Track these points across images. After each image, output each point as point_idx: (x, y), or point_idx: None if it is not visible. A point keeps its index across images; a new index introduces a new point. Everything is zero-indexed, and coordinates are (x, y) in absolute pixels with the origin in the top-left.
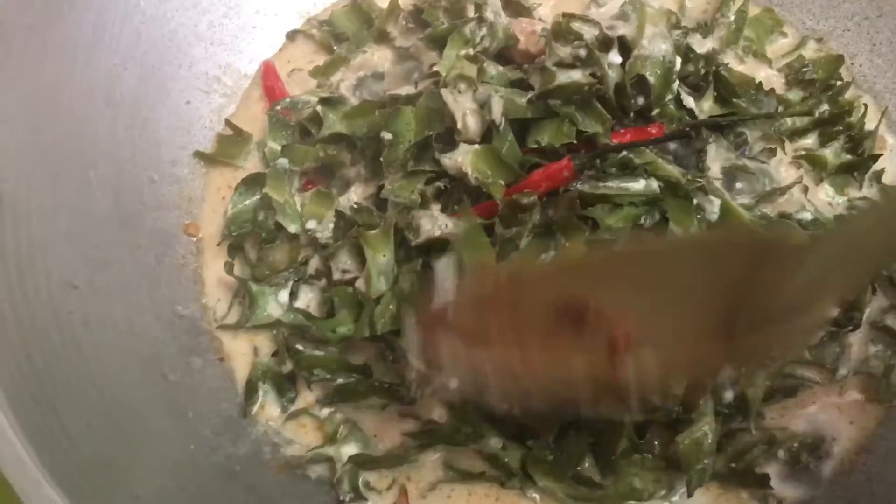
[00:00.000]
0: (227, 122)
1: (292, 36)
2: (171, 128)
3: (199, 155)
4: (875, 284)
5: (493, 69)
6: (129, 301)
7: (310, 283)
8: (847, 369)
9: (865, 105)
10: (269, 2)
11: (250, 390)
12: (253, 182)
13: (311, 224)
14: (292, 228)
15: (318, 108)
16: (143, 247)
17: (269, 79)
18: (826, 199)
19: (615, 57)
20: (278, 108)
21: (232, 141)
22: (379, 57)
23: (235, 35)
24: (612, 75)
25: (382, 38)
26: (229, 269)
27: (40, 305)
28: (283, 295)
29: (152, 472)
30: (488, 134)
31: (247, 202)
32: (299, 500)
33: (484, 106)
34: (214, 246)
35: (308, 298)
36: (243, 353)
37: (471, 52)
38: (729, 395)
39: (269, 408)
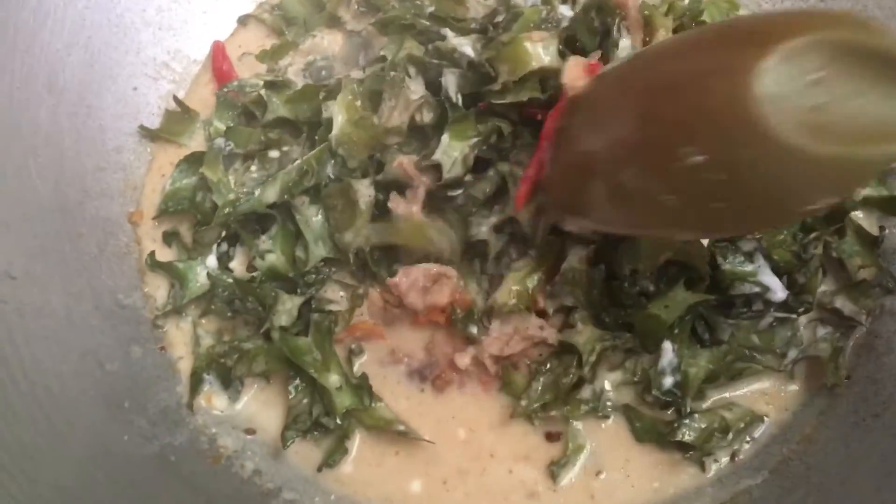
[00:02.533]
0: (175, 99)
1: (244, 20)
2: (117, 115)
3: (144, 130)
4: (823, 266)
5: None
6: (68, 290)
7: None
8: (796, 353)
9: None
10: None
11: (195, 382)
12: (195, 160)
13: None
14: (221, 200)
15: (263, 91)
16: (84, 235)
17: (217, 59)
18: None
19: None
20: (226, 90)
21: (178, 118)
22: (329, 41)
23: (185, 20)
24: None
25: (334, 22)
26: (152, 259)
27: None
28: (211, 260)
29: (80, 463)
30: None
31: (186, 181)
32: (234, 489)
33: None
34: (153, 232)
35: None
36: (185, 342)
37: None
38: (668, 381)
39: (215, 399)
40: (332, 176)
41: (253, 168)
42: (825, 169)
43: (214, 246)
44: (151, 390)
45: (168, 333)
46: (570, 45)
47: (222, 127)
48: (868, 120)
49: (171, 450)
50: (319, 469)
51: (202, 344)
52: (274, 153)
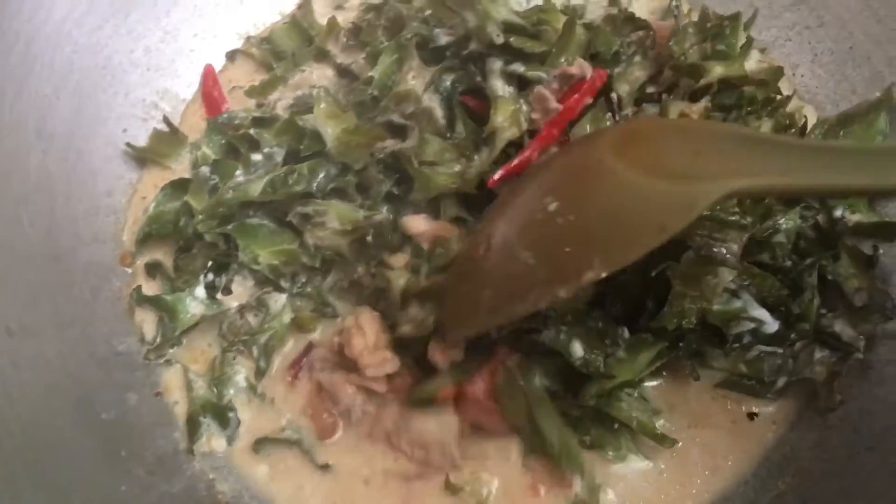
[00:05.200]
0: (165, 120)
1: (232, 56)
2: (107, 157)
3: (130, 147)
4: (816, 290)
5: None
6: (63, 340)
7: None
8: (785, 381)
9: (806, 117)
10: (207, 24)
11: (192, 426)
12: (180, 186)
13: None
14: (208, 237)
15: (252, 131)
16: (77, 283)
17: (208, 84)
18: None
19: None
20: (219, 121)
21: (167, 139)
22: (318, 75)
23: (173, 59)
24: None
25: (322, 56)
26: (138, 294)
27: None
28: (200, 290)
29: None
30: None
31: (170, 205)
32: None
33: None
34: (138, 266)
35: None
36: (179, 385)
37: None
38: None
39: (214, 441)
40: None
41: (238, 172)
42: (655, 201)
43: (202, 276)
44: (148, 437)
45: (163, 378)
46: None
47: (210, 153)
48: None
49: (168, 498)
50: None
51: (194, 388)
52: (257, 156)
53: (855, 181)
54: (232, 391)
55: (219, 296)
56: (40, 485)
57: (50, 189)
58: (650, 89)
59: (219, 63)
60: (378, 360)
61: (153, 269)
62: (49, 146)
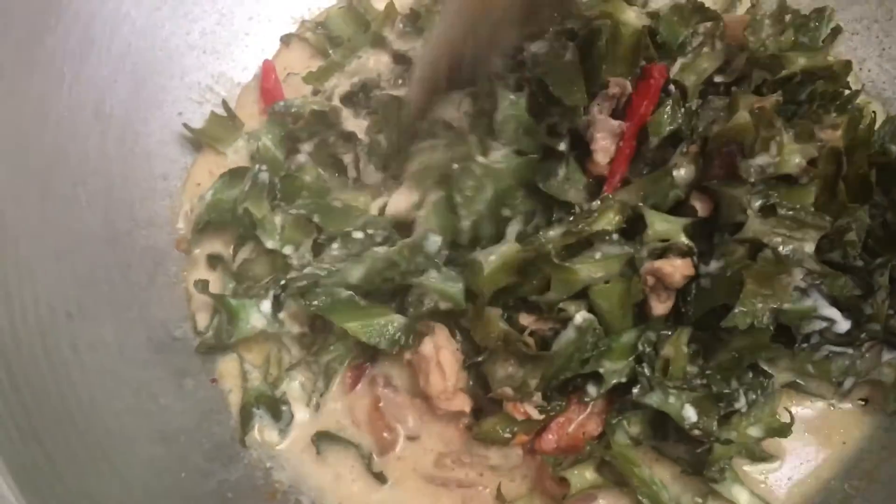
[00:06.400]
0: (224, 105)
1: (287, 40)
2: (163, 141)
3: (188, 128)
4: (888, 290)
5: None
6: (120, 323)
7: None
8: (852, 382)
9: (874, 113)
10: (262, 7)
11: (245, 417)
12: (238, 175)
13: (287, 249)
14: (269, 244)
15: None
16: (133, 266)
17: (269, 81)
18: None
19: None
20: (276, 109)
21: (224, 123)
22: (375, 62)
23: (228, 43)
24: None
25: (379, 42)
26: (203, 286)
27: (27, 331)
28: (266, 305)
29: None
30: None
31: (228, 192)
32: None
33: None
34: (197, 255)
35: (292, 309)
36: (234, 374)
37: None
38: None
39: (266, 433)
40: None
41: (335, 246)
42: None
43: (271, 291)
44: (205, 424)
45: (219, 365)
46: (652, 38)
47: (270, 146)
48: None
49: (227, 486)
50: None
51: (249, 378)
52: (358, 234)
53: None
54: (286, 389)
55: (282, 315)
56: (102, 470)
57: (107, 171)
58: (718, 79)
59: (273, 47)
60: (457, 405)
61: (214, 261)
62: (106, 128)
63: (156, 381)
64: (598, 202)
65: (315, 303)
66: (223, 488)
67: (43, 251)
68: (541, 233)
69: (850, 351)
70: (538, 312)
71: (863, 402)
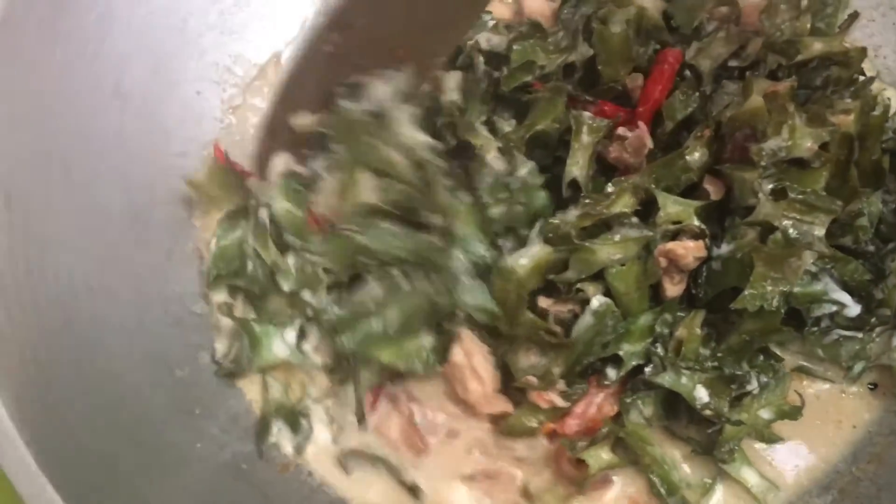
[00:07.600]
0: (225, 156)
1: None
2: (181, 119)
3: (190, 185)
4: None
5: None
6: (138, 298)
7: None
8: (862, 366)
9: (889, 100)
10: None
11: (263, 427)
12: (235, 217)
13: (305, 295)
14: (286, 287)
15: None
16: (152, 241)
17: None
18: None
19: None
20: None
21: (222, 176)
22: None
23: (246, 23)
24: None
25: None
26: (227, 310)
27: (48, 304)
28: (290, 335)
29: (159, 473)
30: None
31: (232, 236)
32: (304, 498)
33: None
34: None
35: (316, 340)
36: (255, 383)
37: None
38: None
39: (283, 445)
40: None
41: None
42: None
43: (297, 321)
44: (220, 397)
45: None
46: (666, 20)
47: (281, 209)
48: None
49: (242, 457)
50: None
51: (270, 390)
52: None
53: None
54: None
55: (306, 347)
56: (121, 440)
57: (126, 147)
58: (732, 63)
59: (289, 30)
60: (500, 407)
61: (234, 290)
62: (125, 105)
63: (172, 353)
64: (611, 186)
65: (346, 341)
66: (238, 459)
67: (64, 226)
68: (558, 214)
69: (860, 335)
70: (556, 294)
71: (872, 387)
